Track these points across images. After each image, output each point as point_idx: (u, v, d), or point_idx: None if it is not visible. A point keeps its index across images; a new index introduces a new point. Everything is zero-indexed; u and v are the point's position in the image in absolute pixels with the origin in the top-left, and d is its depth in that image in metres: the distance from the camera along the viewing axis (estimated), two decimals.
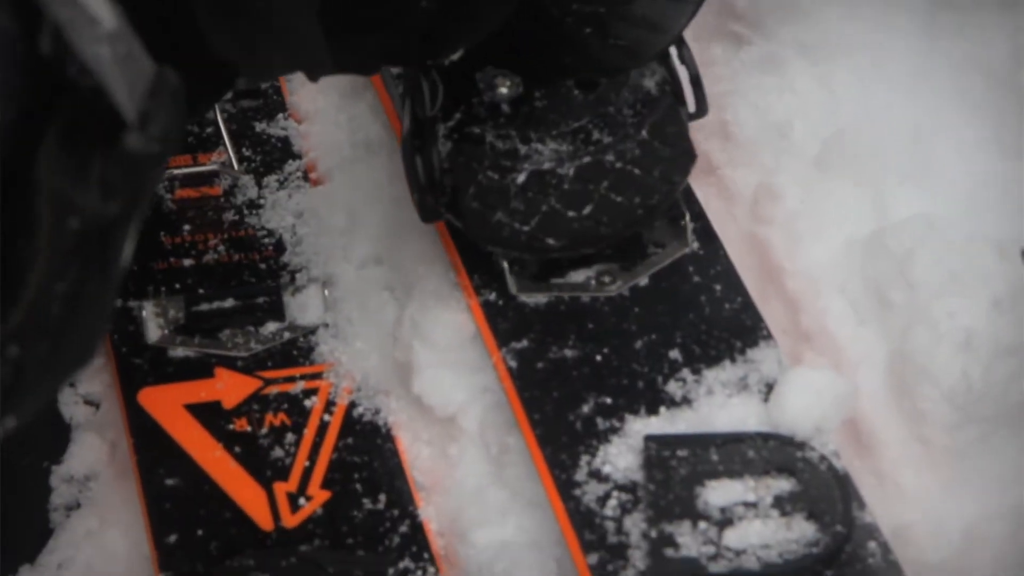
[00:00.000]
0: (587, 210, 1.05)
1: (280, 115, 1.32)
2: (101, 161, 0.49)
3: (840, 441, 1.00)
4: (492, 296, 1.08)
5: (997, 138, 1.15)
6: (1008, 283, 1.01)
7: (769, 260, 1.14)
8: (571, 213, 1.05)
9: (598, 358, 1.05)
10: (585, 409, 1.02)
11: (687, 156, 1.07)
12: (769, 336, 1.06)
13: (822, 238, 1.12)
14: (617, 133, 1.06)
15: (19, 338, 0.50)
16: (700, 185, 1.21)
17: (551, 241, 1.05)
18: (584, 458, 0.99)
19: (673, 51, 1.10)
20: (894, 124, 1.16)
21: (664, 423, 1.00)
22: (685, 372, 1.04)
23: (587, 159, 1.06)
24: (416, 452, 1.07)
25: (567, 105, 1.07)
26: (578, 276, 1.09)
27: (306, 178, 1.26)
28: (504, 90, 1.07)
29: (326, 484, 1.03)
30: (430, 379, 1.06)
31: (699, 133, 1.20)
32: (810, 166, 1.16)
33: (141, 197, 0.51)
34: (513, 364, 1.04)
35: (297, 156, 1.28)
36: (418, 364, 1.07)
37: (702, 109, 1.11)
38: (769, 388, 1.02)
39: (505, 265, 1.07)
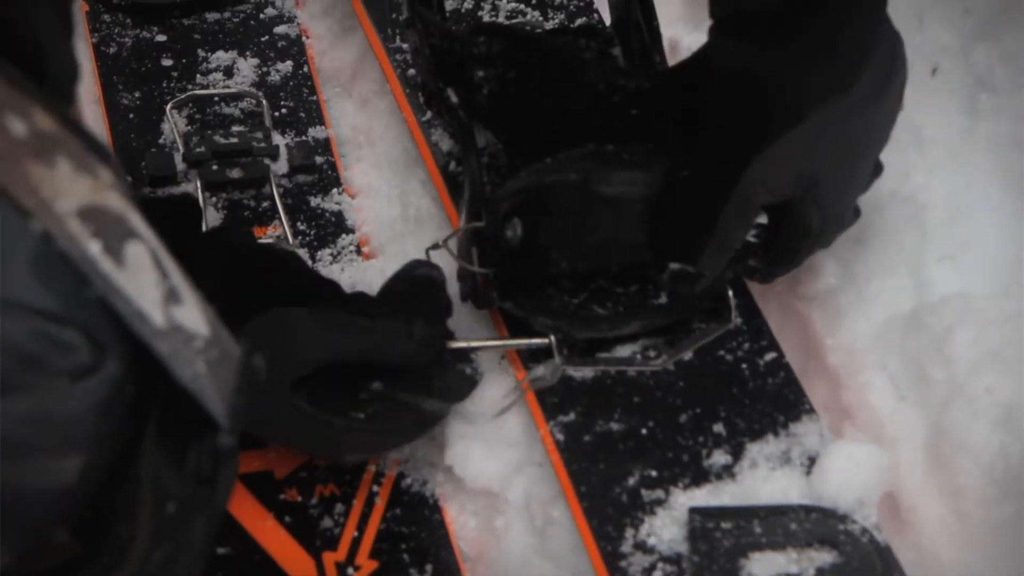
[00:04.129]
0: (634, 287, 1.07)
1: (335, 190, 1.35)
2: (195, 454, 0.55)
3: (880, 514, 1.00)
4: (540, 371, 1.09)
5: None
6: None
7: (810, 335, 1.16)
8: (619, 289, 1.07)
9: (643, 431, 1.06)
10: (631, 482, 1.03)
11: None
12: (811, 410, 1.07)
13: (862, 314, 1.13)
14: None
15: None
16: None
17: (599, 311, 1.07)
18: (629, 530, 1.00)
19: None
20: (934, 202, 1.18)
21: (708, 495, 1.02)
22: (728, 445, 1.05)
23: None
24: (462, 523, 1.09)
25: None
26: (624, 351, 1.11)
27: (359, 252, 1.29)
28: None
29: (374, 554, 1.04)
30: (461, 451, 1.08)
31: None
32: (850, 242, 1.17)
33: (227, 482, 0.57)
34: (560, 437, 1.05)
35: (350, 230, 1.32)
36: (450, 437, 1.08)
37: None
38: (811, 461, 1.03)
39: (553, 340, 1.08)
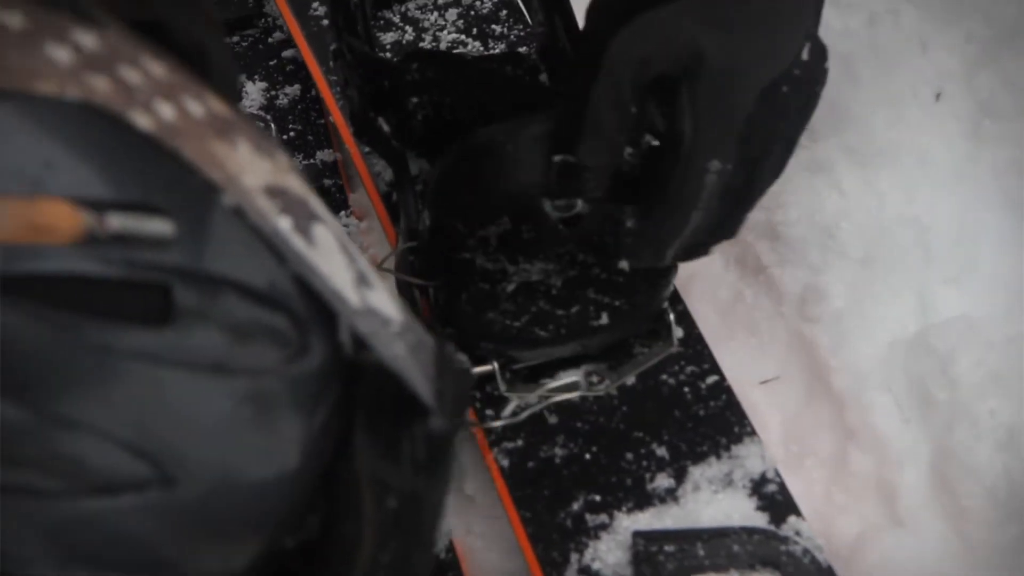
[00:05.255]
0: (575, 308, 1.07)
1: (342, 212, 1.37)
2: (407, 444, 0.54)
3: (884, 536, 1.01)
4: (482, 397, 1.09)
5: None
6: None
7: (816, 358, 1.16)
8: (560, 311, 1.07)
9: (587, 456, 1.07)
10: (575, 507, 1.04)
11: (671, 267, 1.06)
12: (753, 432, 1.08)
13: (868, 337, 1.14)
14: (601, 254, 1.07)
15: None
16: (750, 283, 1.24)
17: (541, 333, 1.07)
18: (574, 555, 1.01)
19: None
20: (938, 226, 1.19)
21: (652, 519, 1.03)
22: (672, 469, 1.06)
23: (573, 272, 1.06)
24: None
25: (552, 235, 1.05)
26: (567, 377, 1.09)
27: None
28: (492, 226, 1.08)
29: None
30: None
31: (750, 234, 1.23)
32: (856, 266, 1.18)
33: (445, 469, 0.55)
34: (504, 463, 1.06)
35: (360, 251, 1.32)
36: None
37: None
38: (753, 483, 1.04)
39: (496, 366, 1.07)
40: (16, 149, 0.41)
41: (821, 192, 1.24)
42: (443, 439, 0.54)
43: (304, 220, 0.48)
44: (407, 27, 1.41)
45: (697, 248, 0.91)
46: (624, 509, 1.03)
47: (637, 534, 1.00)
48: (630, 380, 1.11)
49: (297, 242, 0.47)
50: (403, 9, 1.43)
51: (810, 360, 1.17)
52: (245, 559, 0.50)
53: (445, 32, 1.42)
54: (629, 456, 1.07)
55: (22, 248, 0.40)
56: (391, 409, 0.54)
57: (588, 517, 1.03)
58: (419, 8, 1.43)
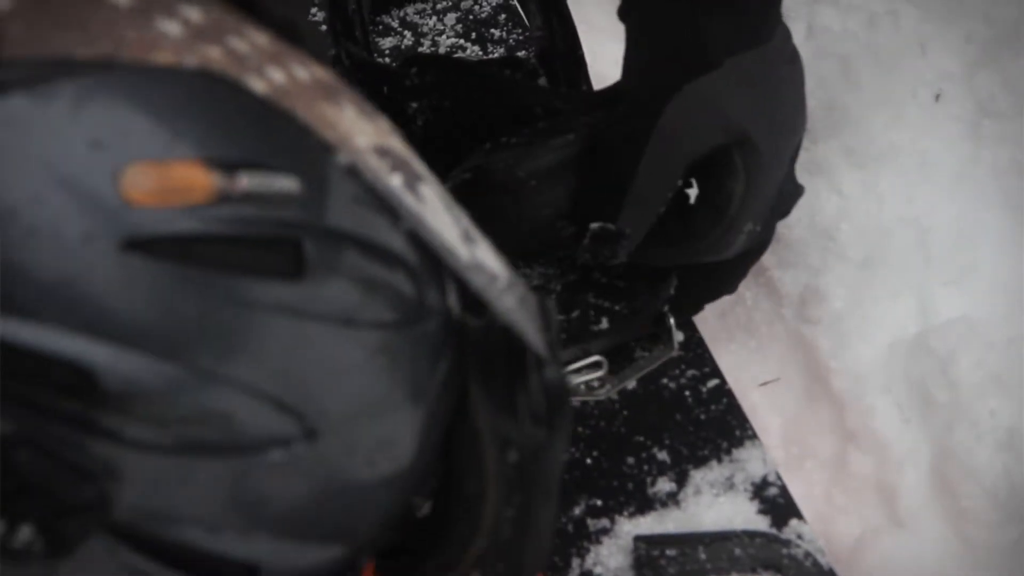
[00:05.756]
0: (575, 313, 1.07)
1: None
2: (523, 397, 0.54)
3: (884, 538, 1.01)
4: None
5: None
6: None
7: (816, 359, 1.16)
8: (560, 316, 1.07)
9: (588, 461, 1.07)
10: (576, 511, 1.04)
11: (670, 271, 1.06)
12: (754, 436, 1.09)
13: (867, 338, 1.14)
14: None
15: (481, 564, 0.56)
16: (750, 286, 1.24)
17: None
18: (576, 560, 1.01)
19: None
20: (938, 227, 1.18)
21: (653, 523, 1.03)
22: (673, 473, 1.06)
23: (573, 277, 1.07)
24: None
25: (554, 242, 1.05)
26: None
27: None
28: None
29: None
30: None
31: None
32: (856, 267, 1.18)
33: (563, 421, 0.55)
34: None
35: None
36: None
37: None
38: (755, 487, 1.05)
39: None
40: (145, 116, 0.41)
41: (821, 194, 1.24)
42: (559, 389, 0.55)
43: (412, 179, 0.49)
44: (406, 32, 1.41)
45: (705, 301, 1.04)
46: (625, 513, 1.04)
47: (638, 538, 1.00)
48: (631, 384, 1.11)
49: (409, 199, 0.48)
50: (402, 14, 1.43)
51: (810, 362, 1.17)
52: (380, 517, 0.51)
53: (444, 37, 1.42)
54: (630, 460, 1.07)
55: (161, 210, 0.41)
56: (503, 366, 0.54)
57: (589, 521, 1.03)
58: (418, 13, 1.43)
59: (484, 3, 1.46)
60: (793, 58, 0.91)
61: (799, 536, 1.01)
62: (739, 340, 1.23)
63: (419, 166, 0.51)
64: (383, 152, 0.48)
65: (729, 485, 1.05)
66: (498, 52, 1.41)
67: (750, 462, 1.07)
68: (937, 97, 1.27)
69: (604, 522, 1.03)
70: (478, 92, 1.09)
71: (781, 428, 1.17)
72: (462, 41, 1.43)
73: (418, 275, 0.49)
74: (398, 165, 0.49)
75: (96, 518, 0.42)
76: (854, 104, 1.25)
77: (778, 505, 1.04)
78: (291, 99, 0.45)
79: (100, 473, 0.42)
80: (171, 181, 0.41)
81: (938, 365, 1.07)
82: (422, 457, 0.51)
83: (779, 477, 1.06)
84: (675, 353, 1.08)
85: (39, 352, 0.40)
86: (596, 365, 1.05)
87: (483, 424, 0.54)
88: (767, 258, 1.24)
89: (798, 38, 1.27)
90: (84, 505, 0.42)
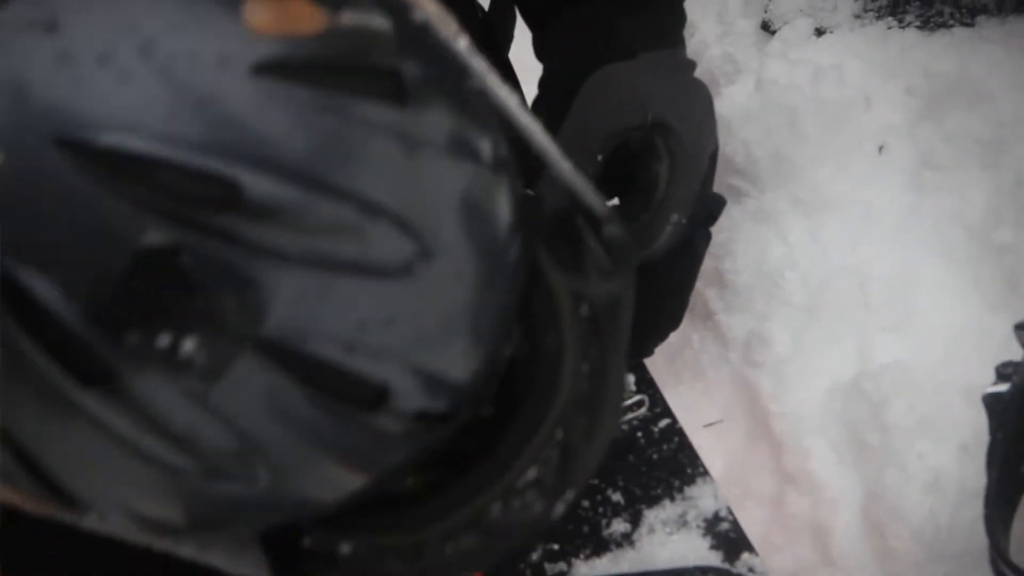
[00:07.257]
0: None
1: None
2: (588, 255, 0.59)
3: None
4: None
5: (975, 290, 1.19)
6: (975, 429, 1.04)
7: (758, 402, 1.20)
8: None
9: None
10: (534, 557, 1.05)
11: None
12: (705, 472, 1.10)
13: (807, 382, 1.17)
14: None
15: (562, 421, 0.59)
16: (698, 329, 1.27)
17: None
18: None
19: None
20: (879, 275, 1.22)
21: (609, 564, 1.05)
22: (627, 513, 1.08)
23: None
24: None
25: None
26: None
27: None
28: None
29: None
30: None
31: (700, 281, 1.26)
32: (800, 313, 1.21)
33: (628, 272, 0.60)
34: None
35: None
36: None
37: None
38: (707, 523, 1.07)
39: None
40: None
41: (767, 241, 1.27)
42: (621, 244, 0.59)
43: (471, 48, 0.53)
44: None
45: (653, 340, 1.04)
46: (582, 556, 1.05)
47: None
48: None
49: (475, 61, 0.52)
50: None
51: (752, 404, 1.20)
52: (483, 356, 0.52)
53: None
54: (585, 503, 1.09)
55: (281, 39, 0.44)
56: (567, 230, 0.59)
57: (547, 566, 1.04)
58: None
59: None
60: (700, 81, 0.95)
61: (750, 569, 1.03)
62: (686, 382, 1.26)
63: (466, 40, 0.54)
64: (442, 21, 0.51)
65: (682, 523, 1.07)
66: None
67: (702, 499, 1.09)
68: (881, 149, 1.30)
69: (561, 566, 1.04)
70: None
71: (724, 469, 1.19)
72: None
73: (492, 130, 0.52)
74: (461, 32, 0.52)
75: (250, 330, 0.44)
76: (801, 155, 1.29)
77: (730, 539, 1.06)
78: None
79: (251, 285, 0.44)
80: (285, 12, 0.45)
81: (872, 409, 1.10)
82: (511, 294, 0.54)
83: (730, 512, 1.07)
84: (643, 411, 1.13)
85: (187, 168, 0.42)
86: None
87: (556, 283, 0.59)
88: (715, 303, 1.27)
89: (747, 90, 1.31)
90: (239, 319, 0.44)
